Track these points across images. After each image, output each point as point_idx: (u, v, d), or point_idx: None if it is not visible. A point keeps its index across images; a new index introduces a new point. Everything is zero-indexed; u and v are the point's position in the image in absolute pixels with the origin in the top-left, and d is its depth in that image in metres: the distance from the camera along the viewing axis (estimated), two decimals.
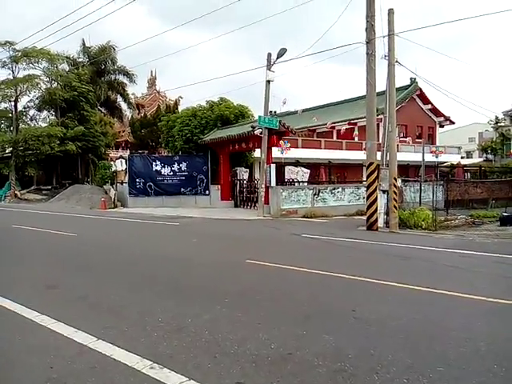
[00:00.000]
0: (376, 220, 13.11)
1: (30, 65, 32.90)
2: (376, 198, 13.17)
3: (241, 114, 24.68)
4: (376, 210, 13.16)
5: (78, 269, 7.49)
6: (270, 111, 19.09)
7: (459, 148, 40.31)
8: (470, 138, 50.71)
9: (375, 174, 13.21)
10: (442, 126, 41.59)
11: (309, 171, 23.07)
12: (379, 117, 16.46)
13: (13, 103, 33.49)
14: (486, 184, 23.28)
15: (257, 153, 22.59)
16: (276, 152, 21.13)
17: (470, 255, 8.75)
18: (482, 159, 40.08)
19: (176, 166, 24.05)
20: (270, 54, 18.28)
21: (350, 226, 14.07)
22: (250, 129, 19.33)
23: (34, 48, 31.39)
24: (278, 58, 18.01)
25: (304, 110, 40.79)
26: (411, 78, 35.49)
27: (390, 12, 13.53)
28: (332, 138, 36.12)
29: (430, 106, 38.71)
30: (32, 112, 35.49)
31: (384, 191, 13.44)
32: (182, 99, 42.97)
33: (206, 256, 8.76)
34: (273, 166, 18.58)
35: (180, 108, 36.67)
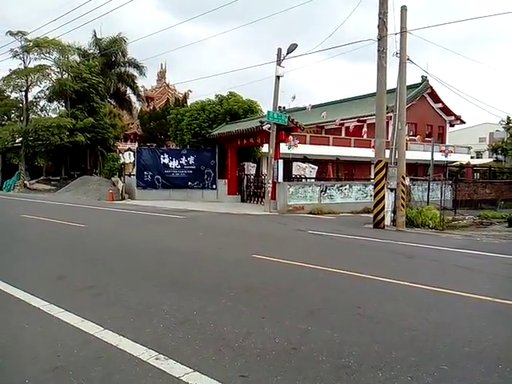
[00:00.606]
0: (383, 218, 13.07)
1: (41, 55, 33.09)
2: (383, 196, 13.13)
3: (250, 109, 24.65)
4: (383, 208, 13.12)
5: (86, 259, 7.56)
6: (279, 107, 19.05)
7: (469, 148, 39.99)
8: (481, 138, 50.29)
9: (383, 172, 13.15)
10: (452, 126, 41.26)
11: (316, 168, 23.00)
12: (389, 114, 16.41)
13: (23, 93, 33.75)
14: (495, 184, 23.13)
15: (265, 148, 22.58)
16: (284, 148, 21.10)
17: (477, 255, 8.71)
18: (491, 159, 39.73)
19: (184, 160, 24.12)
20: (280, 50, 18.21)
21: (357, 224, 14.04)
22: (259, 124, 19.30)
23: (45, 38, 31.55)
24: (288, 53, 17.94)
25: (313, 107, 40.64)
26: (422, 77, 35.23)
27: (403, 9, 13.40)
28: (340, 134, 35.99)
29: (440, 105, 38.40)
30: (42, 102, 35.72)
31: (392, 189, 13.39)
32: (191, 93, 42.95)
33: (212, 250, 8.80)
34: (280, 162, 18.56)
35: (189, 102, 36.64)
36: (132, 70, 40.14)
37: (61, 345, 3.66)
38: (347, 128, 36.20)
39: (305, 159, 23.94)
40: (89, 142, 32.78)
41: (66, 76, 33.58)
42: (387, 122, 15.94)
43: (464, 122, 41.23)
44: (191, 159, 24.15)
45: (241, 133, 21.31)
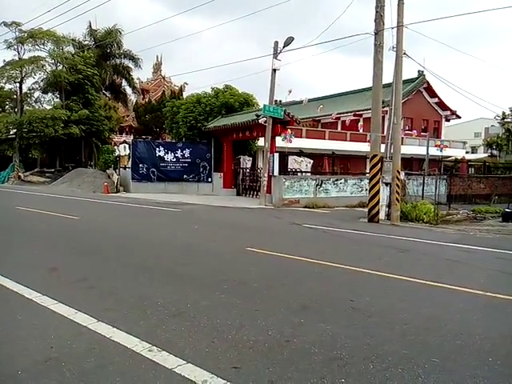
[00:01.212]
0: (378, 212, 13.11)
1: (36, 46, 32.86)
2: (378, 191, 13.17)
3: (246, 102, 24.58)
4: (378, 202, 13.16)
5: (79, 251, 7.55)
6: (275, 100, 19.00)
7: (464, 143, 40.09)
8: (476, 133, 50.43)
9: (378, 167, 13.18)
10: (448, 120, 41.31)
11: (312, 161, 23.00)
12: (385, 109, 16.39)
13: (18, 84, 33.49)
14: (489, 179, 23.24)
15: (260, 141, 22.53)
16: (280, 141, 21.07)
17: (471, 250, 8.77)
18: (486, 155, 39.86)
19: (179, 153, 24.05)
20: (276, 43, 18.12)
21: (352, 218, 14.08)
22: (255, 117, 19.26)
23: (40, 29, 31.28)
24: (284, 46, 17.86)
25: (309, 100, 40.52)
26: (419, 71, 35.20)
27: (400, 3, 13.37)
28: (337, 128, 35.96)
29: (436, 100, 38.42)
30: (37, 94, 35.50)
31: (387, 184, 13.43)
32: (187, 85, 42.80)
33: (207, 243, 8.80)
34: (276, 155, 18.55)
35: (185, 94, 36.51)
36: (127, 62, 39.93)
37: (54, 336, 3.66)
38: (343, 122, 36.16)
39: (301, 153, 23.94)
40: (83, 134, 32.61)
41: (60, 67, 33.33)
42: (383, 117, 15.97)
43: (460, 117, 41.28)
44: (187, 152, 24.08)
45: (236, 126, 21.25)
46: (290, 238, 10.16)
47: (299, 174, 21.16)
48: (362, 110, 32.58)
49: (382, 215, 13.38)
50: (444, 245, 9.23)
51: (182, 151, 24.07)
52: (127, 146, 26.03)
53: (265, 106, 18.24)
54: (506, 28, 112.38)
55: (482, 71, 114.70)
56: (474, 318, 4.44)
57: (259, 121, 18.73)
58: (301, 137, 29.05)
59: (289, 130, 21.73)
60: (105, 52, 38.41)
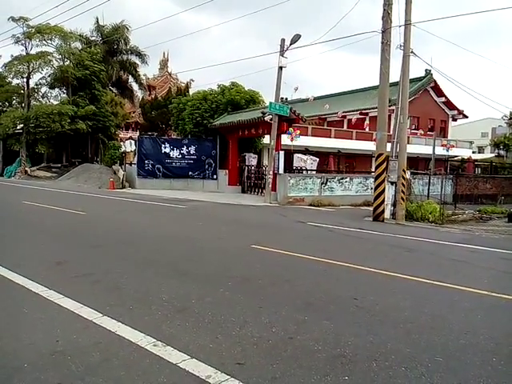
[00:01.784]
0: (383, 211, 13.08)
1: (43, 41, 32.93)
2: (384, 189, 13.13)
3: (252, 100, 24.56)
4: (383, 201, 13.13)
5: (85, 246, 7.60)
6: (282, 98, 19.01)
7: (471, 143, 39.85)
8: (483, 133, 50.11)
9: (384, 165, 13.14)
10: (454, 120, 41.07)
11: (318, 160, 22.95)
12: (391, 108, 16.31)
13: (25, 80, 33.62)
14: (496, 180, 23.08)
15: (266, 139, 22.52)
16: (285, 139, 21.05)
17: (476, 250, 8.73)
18: (493, 155, 39.60)
19: (185, 149, 24.09)
20: (283, 40, 18.09)
21: (357, 216, 14.06)
22: (261, 115, 19.25)
23: (47, 25, 31.38)
24: (291, 44, 17.83)
25: (315, 98, 40.45)
26: (426, 70, 34.99)
27: (408, 1, 13.28)
28: (342, 127, 35.87)
29: (443, 99, 38.20)
30: (44, 89, 35.62)
31: (392, 183, 13.39)
32: (193, 82, 42.83)
33: (212, 240, 8.83)
34: (281, 153, 18.53)
35: (191, 91, 36.48)
36: (134, 58, 39.95)
37: (60, 330, 3.69)
38: (349, 120, 36.06)
39: (306, 151, 23.89)
40: (90, 130, 32.72)
41: (67, 63, 33.41)
42: (389, 115, 15.89)
43: (467, 117, 41.04)
44: (192, 149, 24.12)
45: (242, 123, 21.24)
46: (294, 235, 10.17)
47: (304, 172, 21.14)
48: (369, 109, 32.47)
49: (387, 214, 13.34)
50: (449, 245, 9.20)
51: (187, 148, 24.12)
52: (133, 142, 26.12)
53: (271, 103, 18.21)
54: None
55: (489, 71, 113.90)
56: (478, 318, 4.43)
57: (265, 118, 18.73)
58: (306, 135, 29.00)
59: (298, 131, 21.67)
60: (112, 48, 38.48)
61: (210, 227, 10.89)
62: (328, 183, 18.52)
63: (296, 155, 21.92)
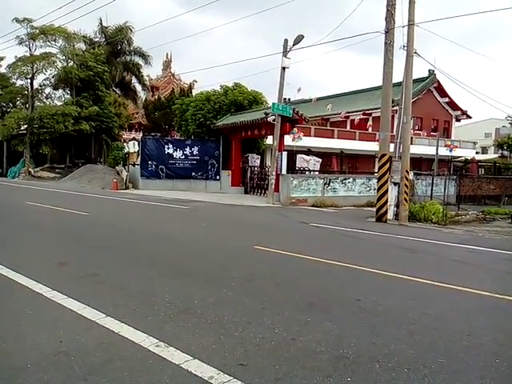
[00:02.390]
0: (386, 212, 13.06)
1: (47, 43, 33.14)
2: (387, 190, 13.11)
3: (254, 100, 24.58)
4: (386, 201, 13.11)
5: (89, 247, 7.62)
6: (284, 98, 19.01)
7: (474, 143, 39.73)
8: (487, 134, 49.93)
9: (387, 166, 13.12)
10: (458, 120, 40.95)
11: (320, 160, 22.92)
12: (394, 108, 16.29)
13: (29, 80, 33.81)
14: (499, 180, 23.00)
15: (269, 140, 22.52)
16: (288, 140, 21.04)
17: (479, 251, 8.71)
18: (497, 155, 39.46)
19: (188, 150, 24.13)
20: (286, 41, 18.10)
21: (359, 217, 14.04)
22: (263, 115, 19.26)
23: (51, 26, 31.49)
24: (294, 44, 17.83)
25: (318, 99, 40.36)
26: (429, 70, 34.92)
27: (411, 1, 13.26)
28: (345, 127, 35.81)
29: (447, 100, 38.09)
30: (48, 90, 35.83)
31: (395, 183, 13.37)
32: (196, 83, 42.81)
33: (215, 240, 8.84)
34: (284, 154, 18.51)
35: (194, 92, 36.54)
36: (137, 59, 40.08)
37: (63, 331, 3.70)
38: (352, 121, 35.98)
39: (309, 151, 23.86)
40: (93, 131, 32.83)
41: (71, 64, 33.58)
42: (393, 116, 15.83)
43: (470, 117, 40.91)
44: (195, 150, 24.15)
45: (245, 124, 21.26)
46: (297, 236, 10.17)
47: (307, 172, 21.13)
48: (372, 109, 32.39)
49: (390, 215, 13.32)
50: (452, 245, 9.18)
51: (190, 149, 24.15)
52: (136, 142, 26.17)
53: (274, 104, 18.22)
54: None
55: (493, 71, 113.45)
56: (481, 319, 4.42)
57: (268, 119, 18.73)
58: (309, 135, 28.99)
59: (301, 132, 21.66)
60: (115, 49, 38.60)
61: (212, 228, 10.90)
62: (331, 184, 18.50)
63: (299, 156, 21.89)
